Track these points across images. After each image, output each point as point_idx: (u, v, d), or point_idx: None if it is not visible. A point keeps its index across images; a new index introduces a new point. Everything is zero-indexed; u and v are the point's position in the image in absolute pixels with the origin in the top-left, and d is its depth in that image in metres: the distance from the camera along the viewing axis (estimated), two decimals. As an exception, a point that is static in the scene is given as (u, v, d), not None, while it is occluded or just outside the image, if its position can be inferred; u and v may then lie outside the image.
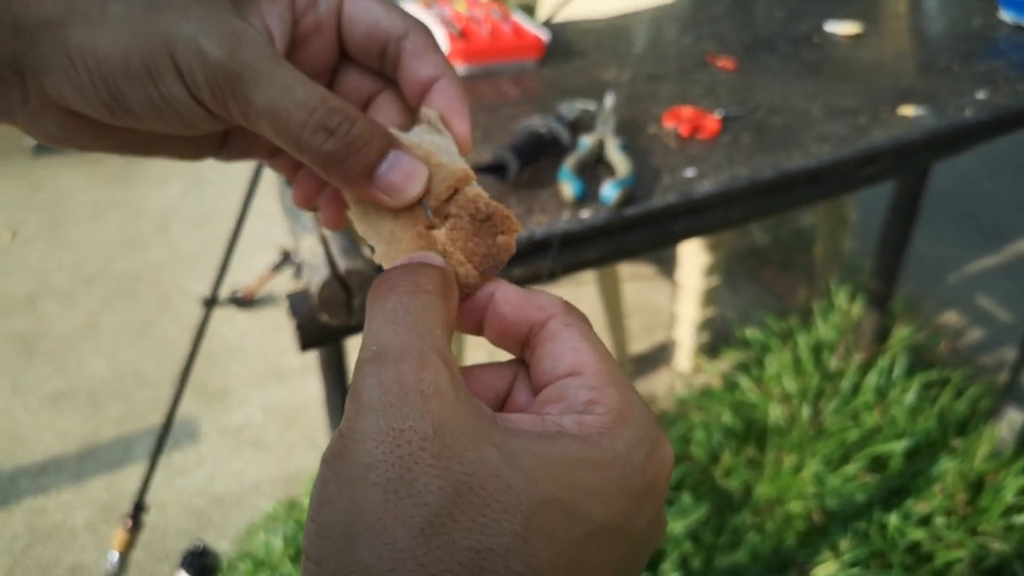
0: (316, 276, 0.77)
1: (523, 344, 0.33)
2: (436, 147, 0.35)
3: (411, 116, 0.39)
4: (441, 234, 0.34)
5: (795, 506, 1.72)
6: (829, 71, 1.19)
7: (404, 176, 0.33)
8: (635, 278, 2.53)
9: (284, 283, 2.46)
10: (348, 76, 0.40)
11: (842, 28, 1.30)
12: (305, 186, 0.38)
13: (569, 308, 0.33)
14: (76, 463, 1.93)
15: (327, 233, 0.81)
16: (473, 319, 0.35)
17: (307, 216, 0.86)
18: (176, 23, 0.30)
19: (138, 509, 1.39)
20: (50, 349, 2.26)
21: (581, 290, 2.31)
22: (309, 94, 0.31)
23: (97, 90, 0.30)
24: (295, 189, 0.39)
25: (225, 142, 0.39)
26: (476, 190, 0.35)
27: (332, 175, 0.33)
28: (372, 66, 0.38)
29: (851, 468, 1.77)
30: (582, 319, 0.33)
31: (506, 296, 0.33)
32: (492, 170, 0.89)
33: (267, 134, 0.32)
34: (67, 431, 2.01)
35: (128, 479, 1.89)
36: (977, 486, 1.76)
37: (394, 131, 0.35)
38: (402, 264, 0.32)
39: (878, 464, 1.83)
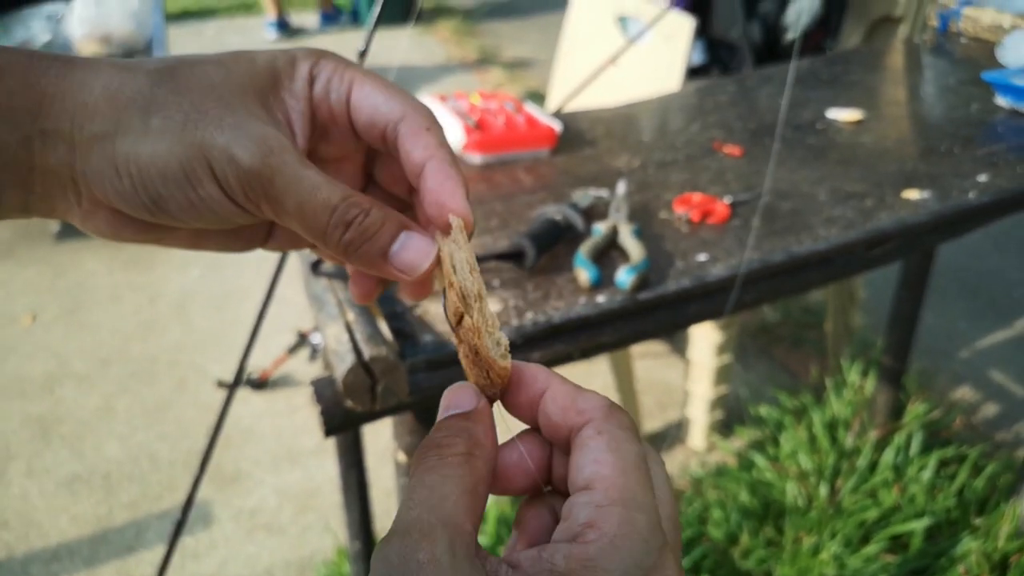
0: (341, 363, 0.79)
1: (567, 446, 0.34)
2: (456, 262, 0.36)
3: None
4: (459, 352, 0.36)
5: (816, 588, 1.70)
6: (834, 156, 1.22)
7: (416, 253, 0.37)
8: (647, 356, 2.54)
9: (298, 365, 2.48)
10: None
11: (844, 115, 1.35)
12: (363, 282, 0.41)
13: (609, 413, 0.32)
14: (88, 548, 1.91)
15: (352, 320, 0.84)
16: (529, 415, 0.35)
17: (332, 304, 0.88)
18: (211, 133, 0.34)
19: (153, 596, 1.38)
20: (66, 432, 2.27)
21: (593, 368, 2.32)
22: (331, 194, 0.35)
23: (139, 195, 0.34)
24: (353, 287, 0.42)
25: (272, 233, 0.42)
26: (472, 322, 0.35)
27: (353, 261, 0.37)
28: (380, 148, 0.41)
29: (871, 549, 1.75)
30: (620, 424, 0.32)
31: (553, 396, 0.34)
32: (510, 257, 0.92)
33: (294, 229, 0.36)
34: (80, 515, 2.00)
35: (140, 565, 1.87)
36: (1002, 567, 1.73)
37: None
38: (437, 424, 0.34)
39: (898, 544, 1.81)
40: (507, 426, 0.37)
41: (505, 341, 0.34)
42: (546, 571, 0.27)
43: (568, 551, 0.27)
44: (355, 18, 6.12)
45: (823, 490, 1.89)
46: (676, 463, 2.15)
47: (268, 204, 0.35)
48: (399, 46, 4.76)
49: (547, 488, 0.35)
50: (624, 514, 0.28)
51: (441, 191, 0.36)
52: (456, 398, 0.35)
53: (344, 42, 5.68)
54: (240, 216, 0.36)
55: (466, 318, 0.35)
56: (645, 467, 0.30)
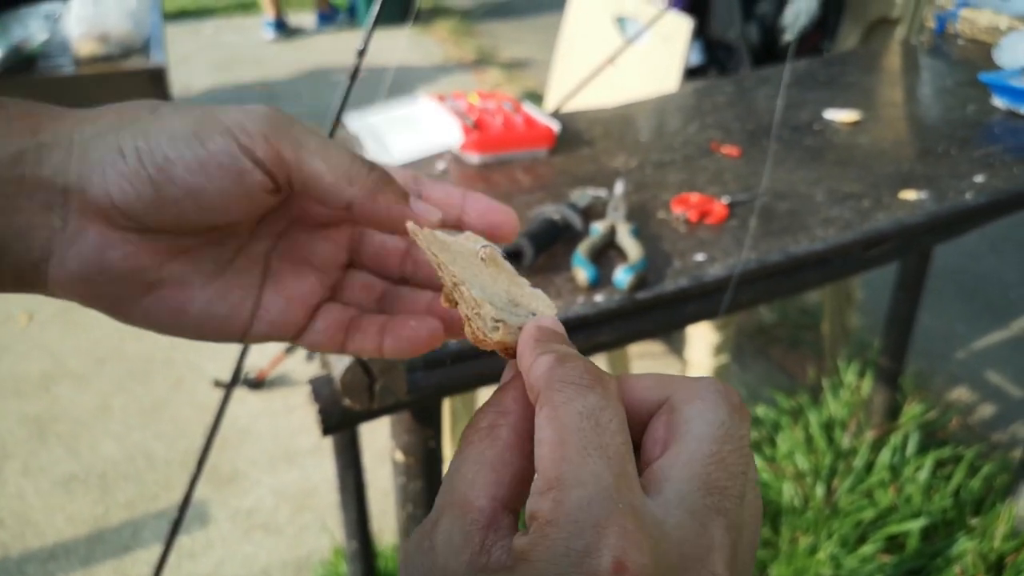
0: (339, 362, 0.79)
1: None
2: (430, 261, 0.37)
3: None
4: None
5: (813, 588, 1.70)
6: (831, 157, 1.23)
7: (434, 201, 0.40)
8: (645, 356, 2.54)
9: (296, 364, 2.47)
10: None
11: (841, 116, 1.35)
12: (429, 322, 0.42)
13: (550, 377, 0.30)
14: (85, 548, 1.91)
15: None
16: None
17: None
18: (221, 110, 0.35)
19: (149, 595, 1.38)
20: (63, 431, 2.26)
21: (591, 369, 2.32)
22: (341, 145, 0.38)
23: (143, 166, 0.33)
24: (415, 331, 0.42)
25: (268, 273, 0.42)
26: (461, 311, 0.36)
27: (379, 201, 0.37)
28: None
29: (868, 549, 1.75)
30: (563, 382, 0.29)
31: (527, 377, 0.32)
32: (508, 257, 0.92)
33: (316, 173, 0.36)
34: (77, 514, 2.00)
35: (136, 564, 1.87)
36: (997, 567, 1.73)
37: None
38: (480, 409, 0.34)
39: (895, 544, 1.81)
40: None
41: (491, 312, 0.35)
42: (512, 561, 0.27)
43: (515, 543, 0.27)
44: (352, 18, 6.12)
45: (819, 490, 1.90)
46: (673, 463, 2.15)
47: (289, 145, 0.35)
48: (397, 46, 4.75)
49: None
50: (557, 496, 0.26)
51: (479, 214, 0.40)
52: (503, 377, 0.35)
53: (341, 42, 5.68)
54: (252, 174, 0.35)
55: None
56: (588, 425, 0.28)
